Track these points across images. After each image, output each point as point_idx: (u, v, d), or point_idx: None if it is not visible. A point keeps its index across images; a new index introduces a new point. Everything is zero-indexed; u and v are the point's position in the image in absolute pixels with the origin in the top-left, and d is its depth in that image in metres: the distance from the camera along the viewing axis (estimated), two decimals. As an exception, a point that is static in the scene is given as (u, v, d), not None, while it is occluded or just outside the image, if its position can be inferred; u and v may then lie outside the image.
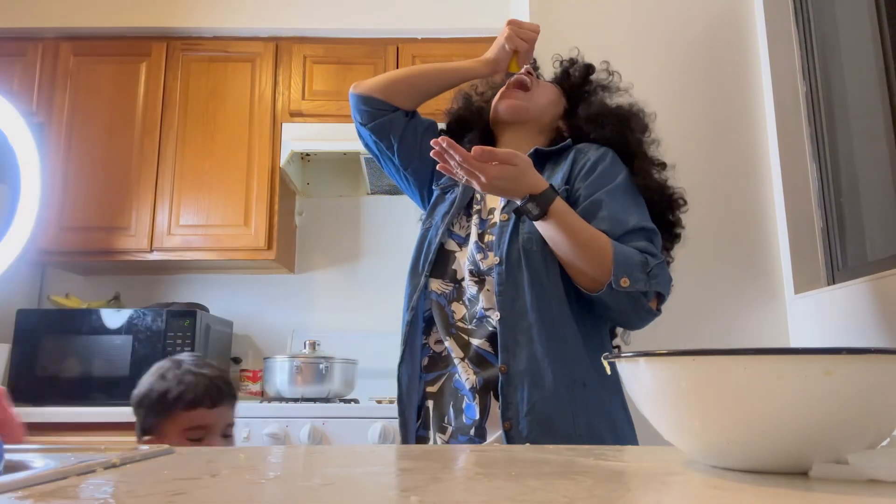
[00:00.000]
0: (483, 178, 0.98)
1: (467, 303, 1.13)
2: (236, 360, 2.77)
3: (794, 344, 1.77)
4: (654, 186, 1.19)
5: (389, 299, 2.77)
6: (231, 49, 2.75)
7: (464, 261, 1.14)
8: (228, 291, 2.87)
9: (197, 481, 0.50)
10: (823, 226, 1.80)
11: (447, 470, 0.59)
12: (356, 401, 2.37)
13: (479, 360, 1.09)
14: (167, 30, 2.74)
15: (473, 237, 1.16)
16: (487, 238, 1.14)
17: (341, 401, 2.34)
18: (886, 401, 0.48)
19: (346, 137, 2.58)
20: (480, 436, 1.06)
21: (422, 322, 1.18)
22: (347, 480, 0.52)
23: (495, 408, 1.06)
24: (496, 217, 1.15)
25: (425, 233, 1.23)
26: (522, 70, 1.28)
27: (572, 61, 1.36)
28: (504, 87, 1.28)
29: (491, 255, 1.11)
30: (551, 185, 1.02)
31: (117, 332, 2.31)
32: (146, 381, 1.21)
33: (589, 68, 1.34)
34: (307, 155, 2.75)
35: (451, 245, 1.19)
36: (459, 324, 1.13)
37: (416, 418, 1.17)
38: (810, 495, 0.44)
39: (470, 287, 1.12)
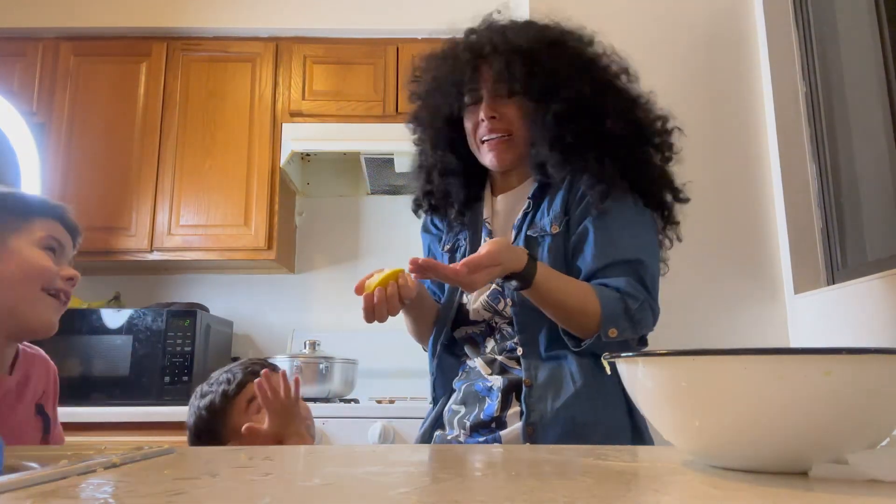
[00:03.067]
0: (473, 288, 1.00)
1: (498, 338, 1.16)
2: (236, 360, 2.77)
3: (794, 344, 1.77)
4: (632, 128, 1.14)
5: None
6: (231, 49, 2.75)
7: (478, 307, 1.17)
8: (228, 291, 2.87)
9: (197, 481, 0.50)
10: (823, 226, 1.80)
11: (447, 470, 0.59)
12: (356, 401, 2.37)
13: (502, 370, 1.13)
14: (167, 30, 2.74)
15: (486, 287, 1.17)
16: (499, 283, 1.16)
17: (341, 401, 2.34)
18: (886, 401, 0.48)
19: (346, 137, 2.58)
20: (500, 427, 1.08)
21: (450, 364, 1.23)
22: (347, 480, 0.52)
23: (515, 403, 1.08)
24: None
25: (449, 296, 1.23)
26: (484, 116, 1.16)
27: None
28: (478, 133, 1.19)
29: (503, 299, 1.14)
30: (531, 255, 1.02)
31: (117, 332, 2.31)
32: (193, 409, 1.22)
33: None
34: (307, 155, 2.75)
35: (469, 297, 1.20)
36: (489, 353, 1.17)
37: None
38: (810, 495, 0.44)
39: (496, 326, 1.16)
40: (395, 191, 2.91)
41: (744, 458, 0.52)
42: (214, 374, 1.25)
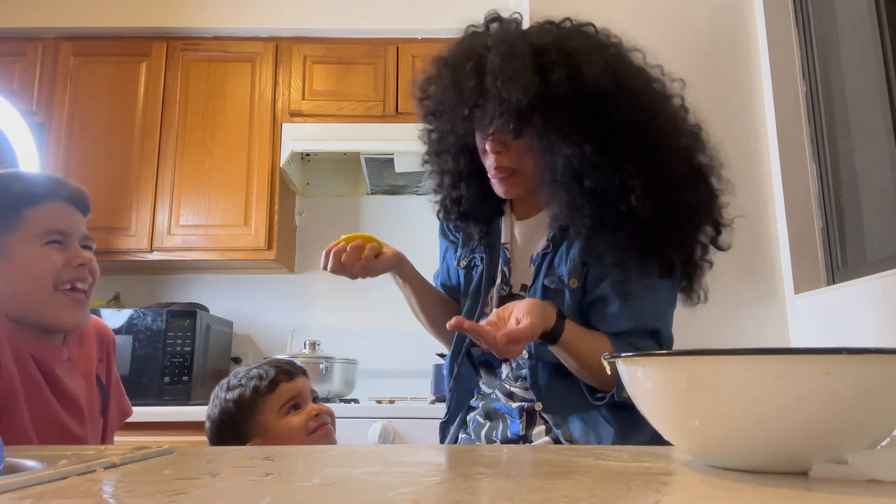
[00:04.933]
0: (509, 356, 0.96)
1: (514, 366, 1.13)
2: (236, 360, 2.77)
3: (794, 344, 1.77)
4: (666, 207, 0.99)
5: (389, 299, 2.75)
6: (231, 49, 2.75)
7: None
8: (228, 291, 2.87)
9: (197, 481, 0.50)
10: (823, 226, 1.80)
11: (447, 470, 0.59)
12: (356, 401, 2.37)
13: (521, 400, 1.11)
14: (167, 30, 2.74)
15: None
16: None
17: (341, 401, 2.34)
18: (886, 401, 0.48)
19: (346, 137, 2.58)
20: (527, 443, 1.08)
21: (468, 379, 1.20)
22: (347, 480, 0.52)
23: (540, 421, 1.08)
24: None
25: (468, 315, 1.18)
26: (489, 151, 1.06)
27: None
28: (486, 160, 1.10)
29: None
30: (560, 313, 0.98)
31: (117, 331, 2.31)
32: (218, 401, 1.21)
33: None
34: (307, 155, 2.75)
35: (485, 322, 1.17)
36: (506, 382, 1.14)
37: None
38: (810, 495, 0.44)
39: None
40: (395, 191, 2.91)
41: (744, 458, 0.52)
42: (241, 370, 1.24)
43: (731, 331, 1.81)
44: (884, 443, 0.51)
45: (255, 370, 1.22)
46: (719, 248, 1.11)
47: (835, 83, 1.79)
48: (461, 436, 1.19)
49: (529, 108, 0.97)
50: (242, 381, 1.20)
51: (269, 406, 1.18)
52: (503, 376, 1.14)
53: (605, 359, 0.61)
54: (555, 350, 1.01)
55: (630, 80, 1.02)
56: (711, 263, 1.11)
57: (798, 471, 0.50)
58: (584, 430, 1.04)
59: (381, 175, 2.74)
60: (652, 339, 1.05)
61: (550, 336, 0.97)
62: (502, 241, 1.18)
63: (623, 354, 0.57)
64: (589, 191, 0.99)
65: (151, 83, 2.70)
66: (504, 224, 1.19)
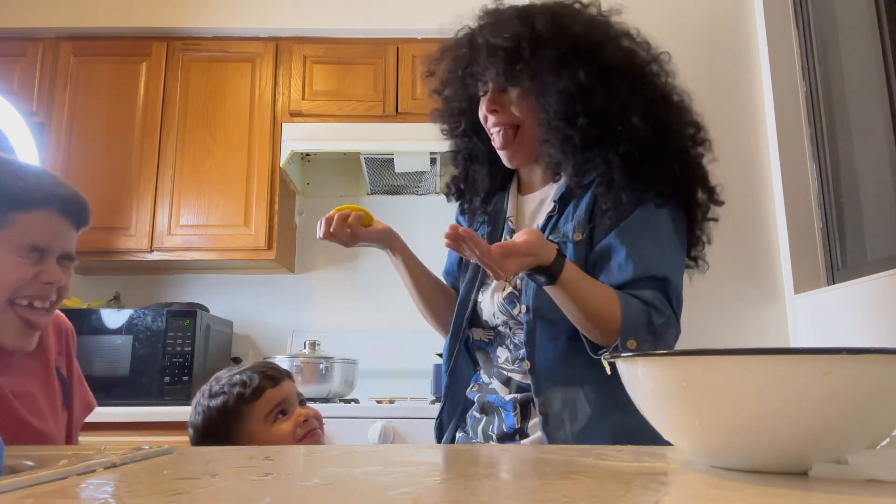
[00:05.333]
0: (503, 274, 0.94)
1: (511, 347, 1.12)
2: (236, 360, 2.77)
3: (794, 344, 1.77)
4: (653, 129, 1.03)
5: (389, 299, 2.76)
6: (231, 49, 2.75)
7: (494, 309, 1.13)
8: (228, 291, 2.87)
9: (197, 481, 0.50)
10: (823, 226, 1.80)
11: (447, 470, 0.59)
12: (356, 401, 2.37)
13: (519, 389, 1.10)
14: (167, 30, 2.74)
15: (502, 285, 1.14)
16: (517, 284, 1.11)
17: (341, 401, 2.34)
18: (886, 401, 0.48)
19: (346, 137, 2.58)
20: (523, 437, 1.07)
21: (464, 371, 1.19)
22: (347, 480, 0.52)
23: (535, 413, 1.06)
24: None
25: (465, 293, 1.20)
26: (486, 110, 1.12)
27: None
28: (488, 126, 1.15)
29: (518, 304, 1.10)
30: (560, 252, 0.98)
31: (117, 332, 2.31)
32: (201, 408, 1.18)
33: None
34: (307, 155, 2.75)
35: (485, 295, 1.17)
36: (503, 366, 1.13)
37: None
38: (810, 495, 0.44)
39: (508, 332, 1.13)
40: (395, 191, 2.91)
41: (744, 458, 0.52)
42: (223, 374, 1.20)
43: (731, 331, 1.81)
44: (884, 443, 0.51)
45: (237, 376, 1.18)
46: (716, 202, 1.13)
47: (835, 83, 1.79)
48: (458, 434, 1.19)
49: (516, 51, 1.05)
50: (225, 389, 1.16)
51: (256, 414, 1.15)
52: (500, 361, 1.13)
53: (605, 359, 0.61)
54: (555, 293, 0.99)
55: (609, 27, 1.11)
56: (709, 242, 1.15)
57: (798, 471, 0.50)
58: (563, 404, 1.03)
59: (381, 175, 2.74)
60: (659, 288, 1.02)
61: (551, 271, 0.96)
62: (507, 214, 1.20)
63: (623, 354, 0.57)
64: (588, 120, 1.03)
65: (151, 83, 2.70)
66: (509, 199, 1.22)
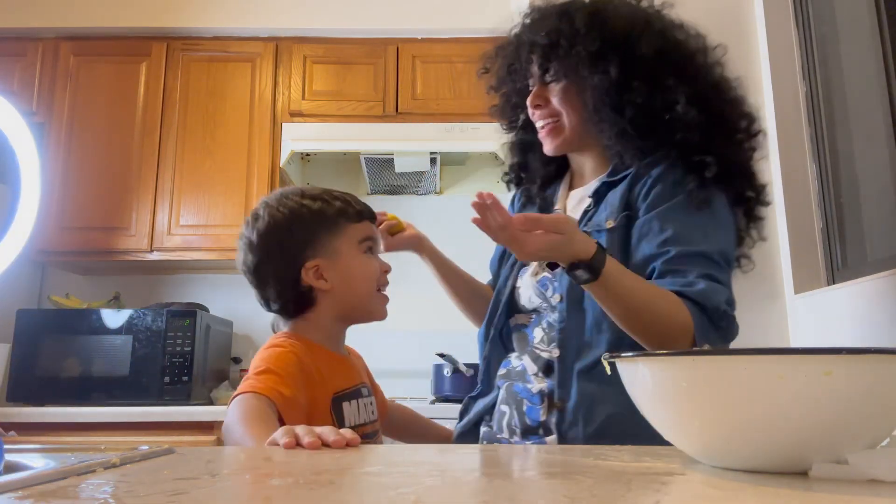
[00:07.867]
0: (525, 249, 0.90)
1: (545, 327, 1.11)
2: (236, 360, 2.77)
3: (794, 344, 1.77)
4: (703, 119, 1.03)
5: (389, 299, 2.75)
6: (231, 49, 2.75)
7: (530, 293, 1.13)
8: (228, 291, 2.87)
9: (197, 481, 0.50)
10: (823, 226, 1.80)
11: (447, 470, 0.59)
12: (356, 401, 2.37)
13: (547, 368, 1.08)
14: (167, 30, 2.74)
15: (539, 269, 1.14)
16: (554, 270, 1.10)
17: (341, 401, 2.34)
18: (886, 401, 0.48)
19: (346, 137, 2.58)
20: (547, 432, 1.05)
21: (499, 356, 1.19)
22: (347, 480, 0.52)
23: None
24: None
25: (503, 280, 1.21)
26: (530, 105, 1.16)
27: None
28: (534, 120, 1.19)
29: (551, 287, 1.09)
30: (600, 245, 0.93)
31: (117, 332, 2.31)
32: (288, 205, 1.08)
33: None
34: (307, 155, 2.74)
35: (523, 279, 1.16)
36: (538, 346, 1.12)
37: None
38: (810, 495, 0.44)
39: (546, 314, 1.12)
40: (395, 191, 2.91)
41: (744, 458, 0.52)
42: (291, 190, 1.12)
43: (731, 331, 1.81)
44: (884, 443, 0.51)
45: (329, 194, 1.12)
46: (763, 202, 1.13)
47: (835, 83, 1.79)
48: (483, 429, 1.17)
49: (554, 47, 1.09)
50: (326, 197, 1.09)
51: (350, 234, 1.08)
52: (536, 341, 1.11)
53: (604, 359, 0.61)
54: (599, 293, 0.94)
55: (653, 20, 1.12)
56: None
57: (798, 471, 0.50)
58: (578, 402, 1.01)
59: (381, 175, 2.74)
60: (702, 262, 0.98)
61: (591, 265, 0.91)
62: (555, 207, 1.22)
63: (623, 354, 0.57)
64: (635, 110, 1.04)
65: (151, 83, 2.70)
66: (560, 192, 1.24)
